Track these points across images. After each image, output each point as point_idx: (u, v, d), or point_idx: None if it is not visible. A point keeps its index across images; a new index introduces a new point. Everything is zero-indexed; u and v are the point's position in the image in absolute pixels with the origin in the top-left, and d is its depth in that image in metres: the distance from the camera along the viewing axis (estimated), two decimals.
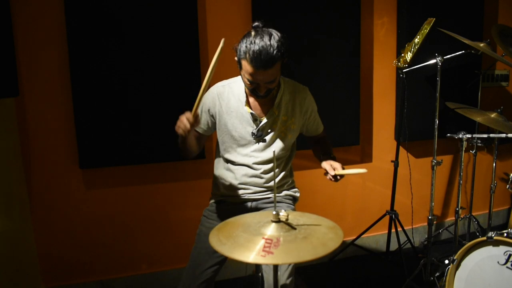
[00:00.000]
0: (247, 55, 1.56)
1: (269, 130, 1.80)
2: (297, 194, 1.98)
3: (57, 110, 2.36)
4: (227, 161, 1.87)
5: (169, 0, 2.39)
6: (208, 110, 1.83)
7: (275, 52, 1.54)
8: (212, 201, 1.94)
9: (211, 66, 1.46)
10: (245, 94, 1.80)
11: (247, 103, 1.79)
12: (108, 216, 2.53)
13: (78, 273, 2.53)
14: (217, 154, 1.94)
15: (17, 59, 2.10)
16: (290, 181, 1.96)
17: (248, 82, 1.65)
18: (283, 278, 1.68)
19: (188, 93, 2.47)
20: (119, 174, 2.51)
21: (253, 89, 1.67)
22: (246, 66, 1.59)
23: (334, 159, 1.79)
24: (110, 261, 2.58)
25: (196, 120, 1.53)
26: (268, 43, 1.54)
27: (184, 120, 1.51)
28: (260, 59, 1.54)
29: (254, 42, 1.55)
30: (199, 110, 1.59)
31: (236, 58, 1.67)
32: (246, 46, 1.57)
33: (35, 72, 2.29)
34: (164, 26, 2.41)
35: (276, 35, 1.59)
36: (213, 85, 1.86)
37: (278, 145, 1.82)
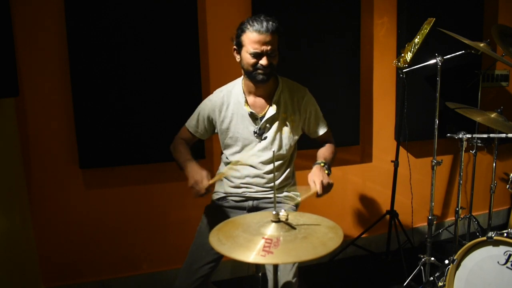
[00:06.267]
0: (249, 25, 1.69)
1: (270, 127, 1.84)
2: (298, 199, 1.97)
3: (57, 110, 2.36)
4: (232, 161, 1.90)
5: (169, 0, 2.40)
6: (208, 117, 1.90)
7: (274, 21, 1.70)
8: (214, 198, 1.97)
9: None
10: (243, 95, 1.84)
11: (246, 102, 1.83)
12: (108, 216, 2.53)
13: (78, 273, 2.53)
14: (222, 154, 1.98)
15: (17, 59, 2.10)
16: (292, 183, 1.97)
17: (251, 57, 1.70)
18: (289, 277, 1.68)
19: (188, 93, 2.49)
20: (119, 174, 2.51)
21: (256, 65, 1.71)
22: (250, 35, 1.68)
23: (326, 166, 1.77)
24: (110, 261, 2.58)
25: (207, 190, 1.66)
26: (267, 17, 1.71)
27: (201, 187, 1.64)
28: (262, 23, 1.67)
29: (255, 18, 1.70)
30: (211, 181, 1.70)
31: (234, 47, 1.76)
32: (247, 21, 1.70)
33: (35, 72, 2.28)
34: (164, 26, 2.41)
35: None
36: (212, 93, 1.93)
37: (279, 142, 1.85)
